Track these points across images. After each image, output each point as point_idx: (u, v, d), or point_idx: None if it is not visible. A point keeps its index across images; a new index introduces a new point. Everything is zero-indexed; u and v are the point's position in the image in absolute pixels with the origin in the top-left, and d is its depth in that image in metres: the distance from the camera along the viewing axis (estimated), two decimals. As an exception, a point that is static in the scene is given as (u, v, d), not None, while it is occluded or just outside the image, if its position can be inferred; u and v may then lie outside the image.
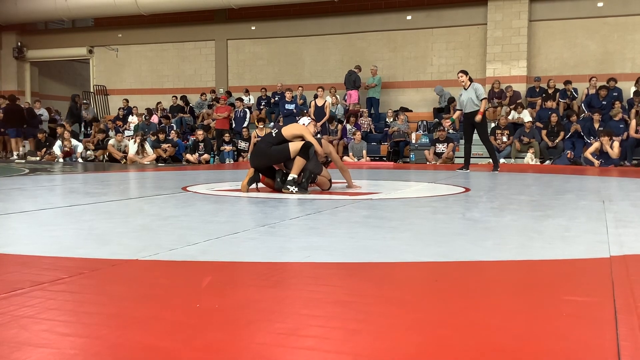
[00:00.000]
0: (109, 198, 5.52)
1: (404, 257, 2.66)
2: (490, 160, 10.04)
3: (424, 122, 15.28)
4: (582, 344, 1.52)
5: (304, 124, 6.03)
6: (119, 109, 18.33)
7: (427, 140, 14.28)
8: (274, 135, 5.86)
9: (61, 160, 14.46)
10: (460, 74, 9.86)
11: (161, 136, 14.59)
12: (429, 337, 1.60)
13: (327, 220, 3.88)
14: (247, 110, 15.74)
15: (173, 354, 1.46)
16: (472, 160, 10.44)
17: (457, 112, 10.28)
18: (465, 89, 9.76)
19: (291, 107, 14.80)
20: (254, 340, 1.58)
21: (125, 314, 1.80)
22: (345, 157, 13.99)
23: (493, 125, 14.01)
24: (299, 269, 2.45)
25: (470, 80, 9.81)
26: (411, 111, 15.95)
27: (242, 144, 14.73)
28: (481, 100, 9.55)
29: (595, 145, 11.71)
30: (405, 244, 3.00)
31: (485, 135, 9.96)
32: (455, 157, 13.46)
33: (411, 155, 14.12)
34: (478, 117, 9.52)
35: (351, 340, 1.57)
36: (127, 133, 15.96)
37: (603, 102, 13.56)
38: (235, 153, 14.55)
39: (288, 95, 14.92)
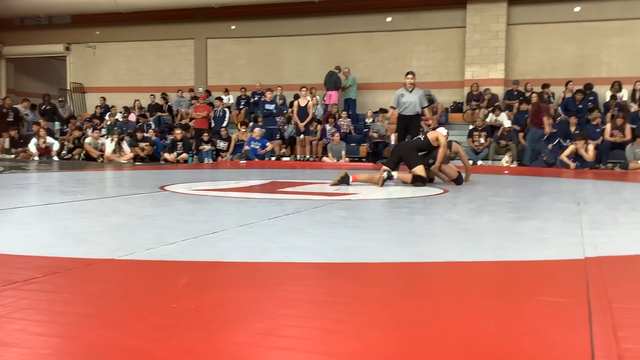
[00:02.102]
0: (85, 197, 5.45)
1: (382, 258, 2.67)
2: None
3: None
4: (557, 344, 1.54)
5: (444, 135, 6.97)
6: (96, 107, 18.13)
7: (406, 141, 14.34)
8: (422, 139, 6.98)
9: (37, 158, 14.25)
10: (411, 76, 9.98)
11: (139, 135, 14.45)
12: (407, 337, 1.60)
13: (306, 220, 3.88)
14: (226, 109, 15.65)
15: (149, 354, 1.45)
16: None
17: (392, 111, 10.31)
18: (410, 92, 9.86)
19: (271, 107, 14.76)
20: (232, 341, 1.57)
21: (100, 314, 1.78)
22: (324, 158, 14.00)
23: (471, 127, 14.12)
24: (278, 269, 2.45)
25: (414, 85, 9.98)
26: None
27: (221, 144, 14.64)
28: (424, 107, 9.78)
29: (571, 148, 11.87)
30: (384, 244, 3.01)
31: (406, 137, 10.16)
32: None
33: (390, 157, 14.15)
34: (430, 122, 9.80)
35: (329, 341, 1.57)
36: (104, 131, 15.78)
37: (579, 106, 13.75)
38: (214, 153, 14.47)
39: (268, 95, 14.89)
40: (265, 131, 14.37)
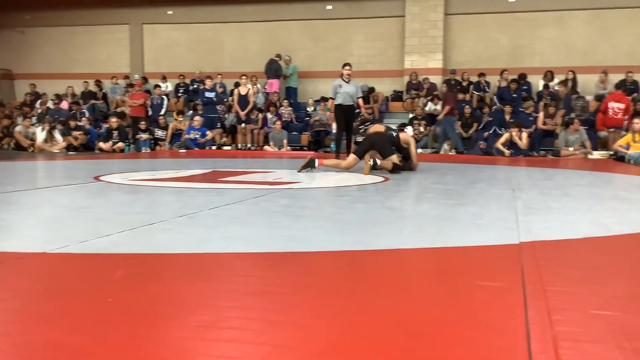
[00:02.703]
0: (15, 188, 5.22)
1: (324, 246, 2.67)
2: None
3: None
4: (494, 328, 1.57)
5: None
6: (26, 95, 17.38)
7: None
8: (394, 136, 7.51)
9: (-38, 148, 13.56)
10: (348, 67, 10.34)
11: (72, 123, 13.94)
12: (347, 325, 1.60)
13: (247, 210, 3.84)
14: (164, 97, 15.29)
15: (82, 351, 1.39)
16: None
17: (332, 101, 10.60)
18: (347, 83, 10.21)
19: (211, 95, 14.53)
20: (171, 334, 1.53)
21: (30, 310, 1.70)
22: (265, 147, 13.92)
23: (411, 116, 14.32)
24: (218, 260, 2.41)
25: (351, 76, 10.37)
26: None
27: (159, 133, 14.31)
28: (358, 98, 10.21)
29: (506, 136, 12.22)
30: (326, 233, 3.01)
31: (352, 127, 10.53)
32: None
33: (332, 145, 14.22)
34: (364, 111, 10.50)
35: (270, 331, 1.55)
36: (34, 120, 15.16)
37: (514, 95, 14.16)
38: (152, 142, 14.13)
39: (208, 83, 14.64)
40: (203, 119, 14.16)
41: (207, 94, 14.34)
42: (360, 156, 7.20)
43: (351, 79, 10.28)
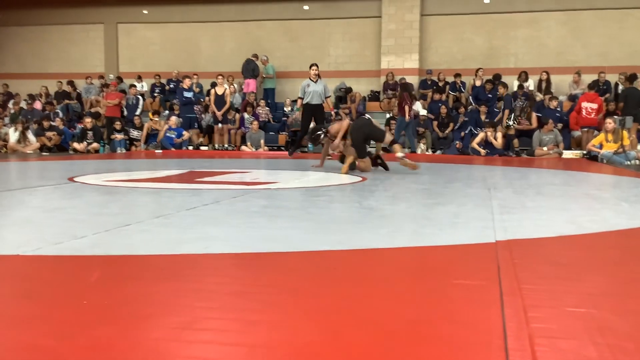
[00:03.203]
0: (-13, 189, 5.12)
1: (302, 246, 2.66)
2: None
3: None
4: (470, 326, 1.59)
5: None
6: (-2, 94, 17.10)
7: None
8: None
9: None
10: (315, 67, 10.68)
11: (45, 124, 13.74)
12: (325, 325, 1.60)
13: (224, 210, 3.81)
14: (140, 97, 15.15)
15: (57, 353, 1.37)
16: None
17: (300, 101, 10.89)
18: (315, 82, 10.51)
19: (189, 94, 14.41)
20: (148, 336, 1.51)
21: (3, 313, 1.67)
22: (243, 147, 13.87)
23: (388, 116, 14.39)
24: (196, 261, 2.39)
25: (319, 75, 10.70)
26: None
27: (135, 133, 14.18)
28: (327, 97, 10.51)
29: (481, 135, 12.35)
30: (304, 232, 3.01)
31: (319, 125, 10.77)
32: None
33: (309, 145, 14.22)
34: (331, 110, 10.95)
35: (248, 332, 1.54)
36: (7, 120, 14.90)
37: (489, 95, 14.32)
38: (128, 142, 13.99)
39: (187, 82, 14.51)
40: (182, 120, 14.05)
41: (186, 94, 14.22)
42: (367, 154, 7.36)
43: (319, 79, 10.58)
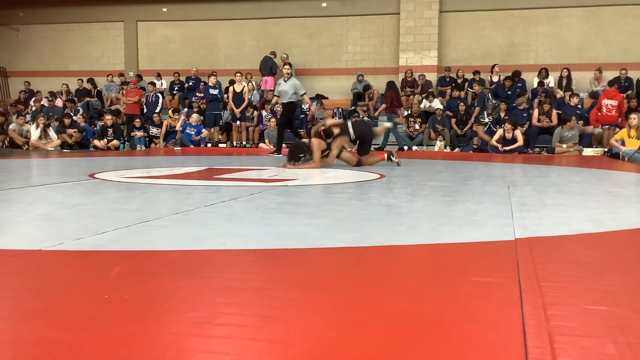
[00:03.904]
0: (9, 186, 5.19)
1: (319, 243, 2.67)
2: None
3: (340, 110, 15.43)
4: (490, 323, 1.58)
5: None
6: (20, 92, 17.32)
7: (343, 127, 14.45)
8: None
9: (-45, 146, 13.50)
10: (287, 66, 10.91)
11: (66, 121, 13.89)
12: (342, 321, 1.61)
13: (242, 207, 3.83)
14: (159, 94, 15.25)
15: (78, 347, 1.39)
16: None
17: (276, 98, 11.15)
18: (285, 81, 10.59)
19: (215, 92, 14.35)
20: (168, 331, 1.53)
21: (26, 307, 1.70)
22: (261, 144, 13.90)
23: (406, 113, 14.34)
24: (214, 257, 2.41)
25: (291, 74, 10.83)
26: (327, 98, 16.06)
27: (154, 130, 14.28)
28: (303, 94, 10.60)
29: (499, 132, 12.25)
30: (321, 229, 3.01)
31: (284, 124, 10.94)
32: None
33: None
34: (310, 106, 11.41)
35: (266, 327, 1.55)
36: (28, 117, 15.10)
37: (508, 92, 14.18)
38: (147, 139, 14.10)
39: (212, 80, 14.47)
40: (202, 118, 14.13)
41: (212, 91, 14.18)
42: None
43: (291, 77, 10.71)
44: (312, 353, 1.38)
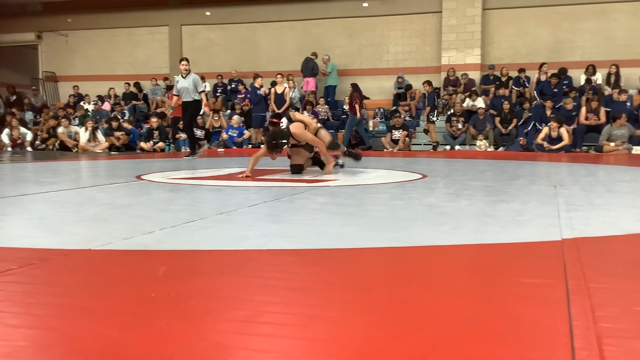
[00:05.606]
0: (60, 187, 5.36)
1: (361, 243, 2.67)
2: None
3: (381, 110, 15.38)
4: (535, 324, 1.55)
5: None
6: (70, 96, 17.85)
7: (384, 127, 14.39)
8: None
9: (10, 149, 13.99)
10: (184, 62, 10.37)
11: (114, 124, 14.25)
12: (385, 321, 1.60)
13: (285, 207, 3.86)
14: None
15: (127, 343, 1.43)
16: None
17: (176, 98, 10.68)
18: (184, 78, 10.25)
19: (261, 93, 14.42)
20: (212, 328, 1.56)
21: (77, 305, 1.75)
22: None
23: (449, 112, 14.19)
24: (257, 256, 2.43)
25: (189, 70, 10.37)
26: (368, 99, 16.03)
27: (198, 132, 14.49)
28: (200, 92, 10.28)
29: (545, 130, 12.00)
30: (363, 229, 3.01)
31: (192, 124, 10.82)
32: (412, 144, 13.63)
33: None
34: (207, 110, 11.03)
35: (309, 326, 1.56)
36: (77, 121, 15.54)
37: (554, 90, 13.89)
38: (192, 141, 14.31)
39: (258, 81, 14.55)
40: (243, 119, 14.26)
41: (259, 92, 14.27)
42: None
43: (190, 74, 10.30)
44: (356, 352, 1.39)
